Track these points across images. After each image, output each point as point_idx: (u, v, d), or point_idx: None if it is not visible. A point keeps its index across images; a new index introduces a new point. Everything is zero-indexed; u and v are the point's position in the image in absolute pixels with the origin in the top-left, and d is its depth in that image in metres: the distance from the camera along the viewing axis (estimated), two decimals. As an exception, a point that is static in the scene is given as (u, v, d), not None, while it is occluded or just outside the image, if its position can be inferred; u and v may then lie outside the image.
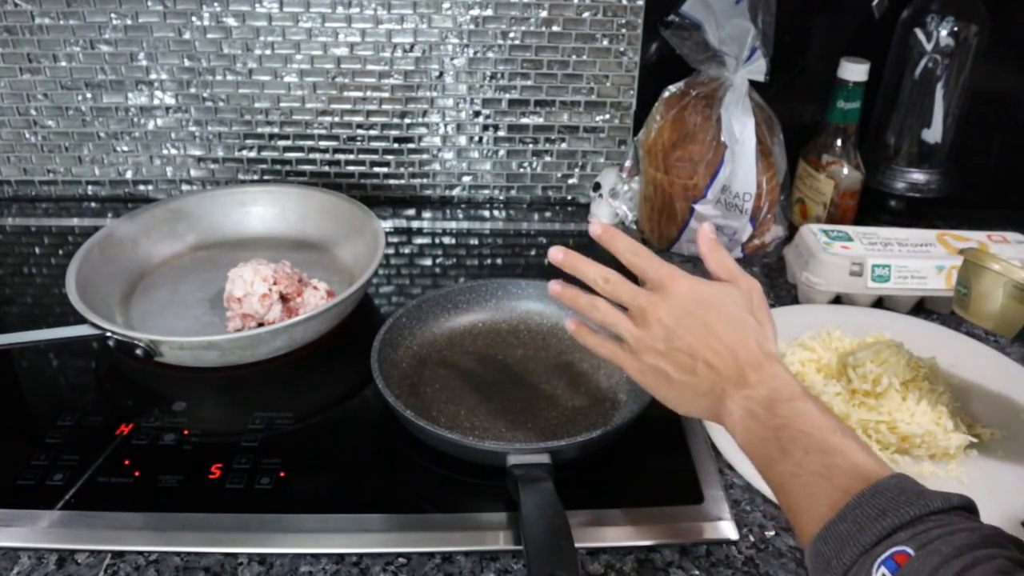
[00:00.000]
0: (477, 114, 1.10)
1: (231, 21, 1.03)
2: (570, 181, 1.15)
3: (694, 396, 0.57)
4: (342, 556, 0.62)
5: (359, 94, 1.07)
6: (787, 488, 0.51)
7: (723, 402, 0.55)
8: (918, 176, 1.05)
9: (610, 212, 1.10)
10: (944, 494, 0.44)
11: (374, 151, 1.12)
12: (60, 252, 1.04)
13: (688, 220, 0.99)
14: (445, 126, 1.10)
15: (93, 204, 1.13)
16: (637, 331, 0.58)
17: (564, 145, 1.12)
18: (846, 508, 0.45)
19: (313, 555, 0.62)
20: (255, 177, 1.13)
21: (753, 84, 0.95)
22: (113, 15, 1.02)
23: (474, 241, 1.08)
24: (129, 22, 1.02)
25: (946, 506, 0.44)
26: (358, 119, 1.09)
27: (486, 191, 1.15)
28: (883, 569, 0.42)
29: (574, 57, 1.06)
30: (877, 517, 0.44)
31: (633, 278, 0.62)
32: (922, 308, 0.92)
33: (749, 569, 0.62)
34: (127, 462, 0.70)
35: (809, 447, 0.50)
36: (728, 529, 0.64)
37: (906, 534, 0.42)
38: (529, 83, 1.08)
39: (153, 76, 1.05)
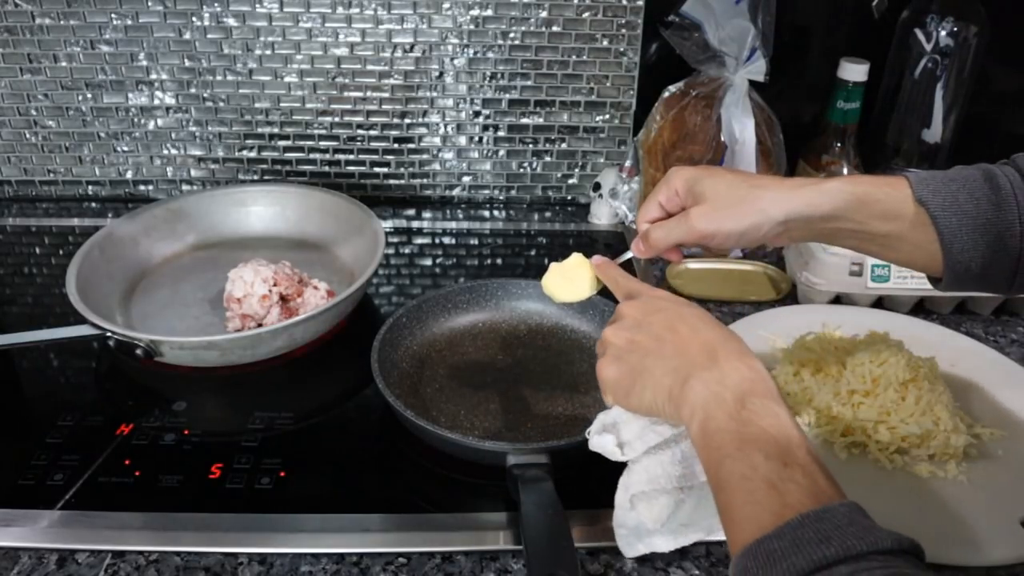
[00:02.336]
0: (477, 114, 1.10)
1: (231, 21, 1.03)
2: (570, 181, 1.15)
3: (653, 381, 0.52)
4: (342, 556, 0.62)
5: (359, 94, 1.08)
6: (731, 489, 0.46)
7: (687, 383, 0.50)
8: (918, 176, 1.05)
9: (610, 212, 1.10)
10: (895, 535, 0.40)
11: (374, 151, 1.12)
12: (60, 252, 1.04)
13: (688, 220, 0.99)
14: (445, 126, 1.10)
15: (93, 204, 1.13)
16: (608, 328, 0.57)
17: (564, 145, 1.12)
18: (786, 525, 0.41)
19: (313, 555, 0.62)
20: (255, 177, 1.13)
21: (753, 84, 0.95)
22: (113, 15, 1.02)
23: (474, 241, 1.08)
24: (129, 22, 1.02)
25: (895, 547, 0.39)
26: (358, 119, 1.09)
27: (486, 191, 1.15)
28: None
29: (574, 57, 1.06)
30: (819, 543, 0.39)
31: None
32: (922, 308, 0.92)
33: (749, 569, 0.61)
34: (127, 462, 0.70)
35: (770, 452, 0.45)
36: (728, 529, 0.64)
37: (846, 568, 0.38)
38: (529, 83, 1.08)
39: (153, 76, 1.06)
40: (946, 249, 0.58)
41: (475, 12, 1.03)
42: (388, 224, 1.09)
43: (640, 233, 0.65)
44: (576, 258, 0.69)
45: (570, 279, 0.68)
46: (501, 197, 1.16)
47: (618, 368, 0.55)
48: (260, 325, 0.82)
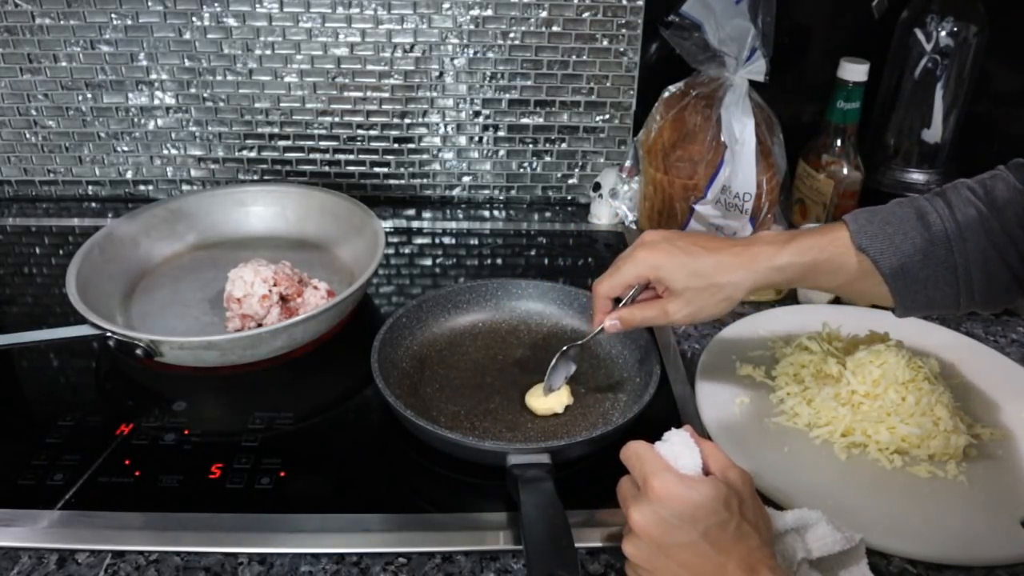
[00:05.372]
0: (477, 114, 1.10)
1: (231, 21, 1.03)
2: (570, 181, 1.15)
3: None
4: (342, 556, 0.62)
5: (359, 94, 1.08)
6: None
7: None
8: (918, 176, 1.05)
9: (610, 212, 1.10)
10: None
11: (374, 151, 1.12)
12: (60, 252, 1.04)
13: (688, 220, 0.99)
14: (445, 126, 1.10)
15: (93, 204, 1.13)
16: (629, 546, 0.55)
17: (564, 145, 1.12)
18: None
19: (313, 555, 0.62)
20: (255, 177, 1.13)
21: (753, 84, 0.95)
22: (113, 15, 1.02)
23: (474, 241, 1.08)
24: (129, 22, 1.02)
25: None
26: (358, 119, 1.09)
27: (486, 191, 1.15)
28: None
29: (574, 57, 1.06)
30: None
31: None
32: (922, 308, 0.92)
33: (749, 569, 0.61)
34: (127, 462, 0.70)
35: None
36: (728, 529, 0.64)
37: None
38: (529, 83, 1.08)
39: (153, 76, 1.06)
40: (891, 288, 0.65)
41: (475, 12, 1.03)
42: (388, 224, 1.09)
43: (618, 313, 0.71)
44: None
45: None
46: (501, 197, 1.16)
47: None
48: (260, 325, 0.82)
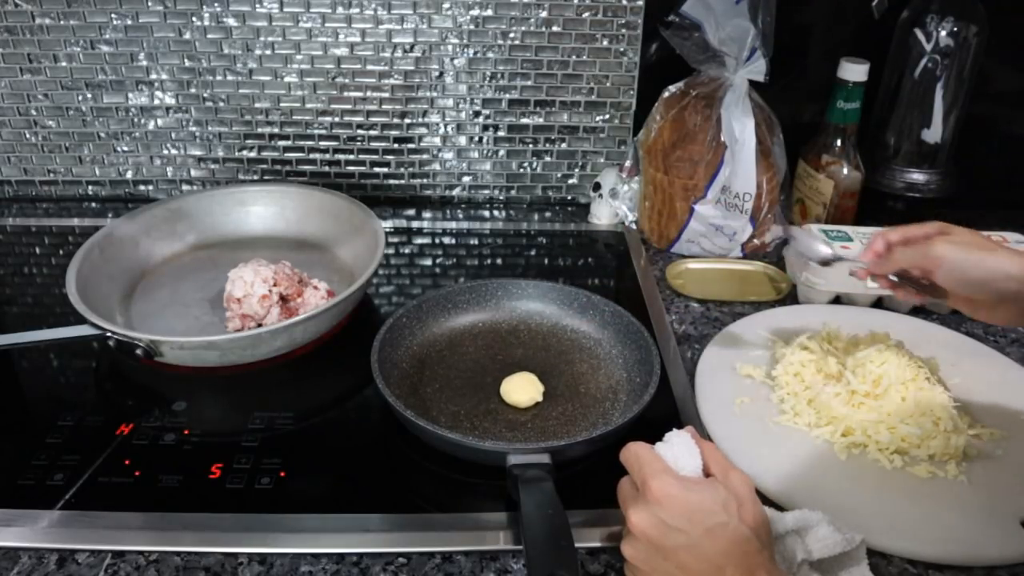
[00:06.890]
0: (477, 114, 1.10)
1: (231, 21, 1.03)
2: (570, 181, 1.15)
3: None
4: (342, 556, 0.62)
5: (359, 94, 1.08)
6: None
7: None
8: (918, 176, 1.05)
9: (610, 212, 1.10)
10: None
11: (374, 151, 1.12)
12: (60, 252, 1.04)
13: (688, 220, 0.99)
14: (445, 126, 1.10)
15: (93, 204, 1.13)
16: (628, 547, 0.55)
17: (564, 145, 1.12)
18: None
19: (313, 555, 0.62)
20: (255, 177, 1.13)
21: (753, 84, 0.95)
22: (113, 15, 1.02)
23: (474, 241, 1.08)
24: (129, 22, 1.02)
25: None
26: (358, 119, 1.09)
27: (486, 191, 1.15)
28: None
29: (574, 57, 1.06)
30: None
31: None
32: (922, 308, 0.92)
33: (749, 569, 0.61)
34: (127, 462, 0.70)
35: None
36: (728, 529, 0.64)
37: None
38: (529, 83, 1.08)
39: (153, 76, 1.06)
40: None
41: (475, 12, 1.03)
42: (388, 224, 1.09)
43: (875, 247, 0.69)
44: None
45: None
46: (501, 197, 1.16)
47: None
48: (260, 325, 0.82)
